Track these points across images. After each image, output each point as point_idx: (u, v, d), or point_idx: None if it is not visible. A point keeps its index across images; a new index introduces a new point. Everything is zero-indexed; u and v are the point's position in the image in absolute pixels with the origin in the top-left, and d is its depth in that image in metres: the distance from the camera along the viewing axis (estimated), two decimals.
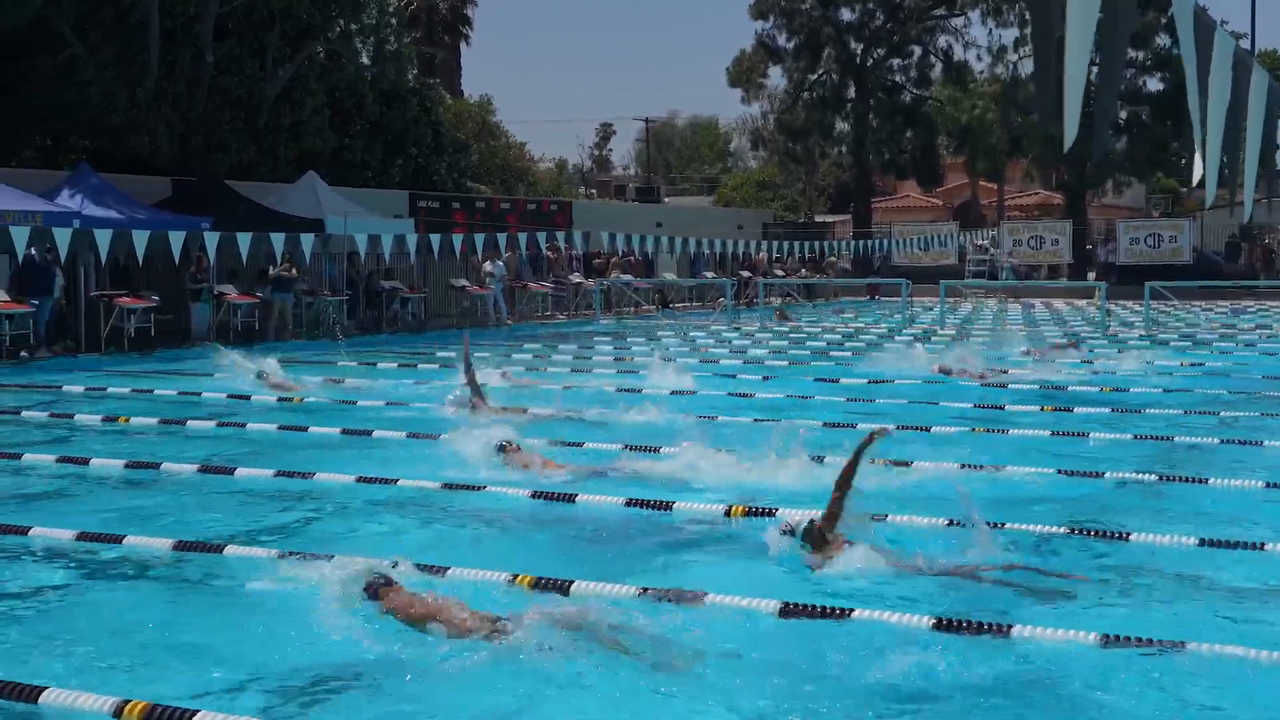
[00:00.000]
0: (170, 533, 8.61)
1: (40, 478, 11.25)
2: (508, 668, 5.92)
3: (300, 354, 23.28)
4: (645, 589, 6.97)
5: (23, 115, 31.40)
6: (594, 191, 74.88)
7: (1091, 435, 12.62)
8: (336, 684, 5.93)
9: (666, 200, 64.84)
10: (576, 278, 38.32)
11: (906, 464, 10.72)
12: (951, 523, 8.37)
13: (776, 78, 57.58)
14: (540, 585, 7.06)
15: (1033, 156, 54.52)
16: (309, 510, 9.74)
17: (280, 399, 16.18)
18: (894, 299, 38.19)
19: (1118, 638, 6.11)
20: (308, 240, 27.27)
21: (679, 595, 6.74)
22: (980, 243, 50.51)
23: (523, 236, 33.34)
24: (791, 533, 7.70)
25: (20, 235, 21.79)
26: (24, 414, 15.11)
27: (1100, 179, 51.64)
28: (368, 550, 7.68)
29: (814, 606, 6.66)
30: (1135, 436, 12.60)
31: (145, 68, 30.60)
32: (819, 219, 62.31)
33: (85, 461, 11.57)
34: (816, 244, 45.60)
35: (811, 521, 7.65)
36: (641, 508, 9.28)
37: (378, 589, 6.62)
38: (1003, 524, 8.33)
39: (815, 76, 55.47)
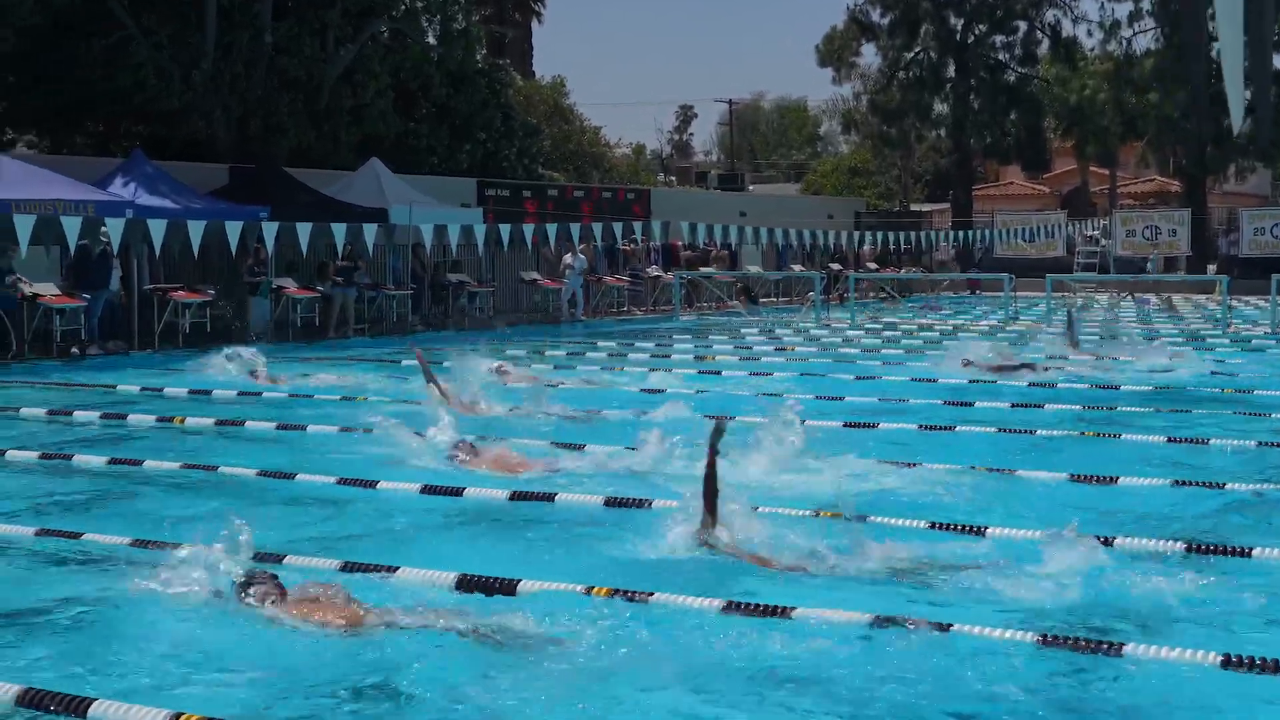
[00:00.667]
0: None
1: (92, 480, 11.44)
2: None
3: (362, 351, 23.52)
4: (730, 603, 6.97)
5: (74, 100, 31.95)
6: (673, 179, 74.93)
7: (1212, 441, 12.43)
8: (383, 695, 5.99)
9: (751, 188, 64.73)
10: (655, 271, 38.35)
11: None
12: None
13: (870, 56, 57.31)
14: (619, 594, 7.10)
15: (1148, 139, 53.78)
16: (370, 518, 9.83)
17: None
18: (996, 294, 37.89)
19: (1240, 659, 6.02)
20: (370, 231, 27.50)
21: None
22: (1090, 233, 49.95)
23: (598, 226, 33.46)
24: None
25: (72, 226, 22.15)
26: (76, 414, 15.35)
27: (1222, 163, 50.78)
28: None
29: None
30: (1260, 444, 12.39)
31: (201, 49, 31.02)
32: (915, 208, 61.90)
33: (138, 463, 11.76)
34: (912, 234, 45.34)
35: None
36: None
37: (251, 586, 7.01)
38: (1112, 538, 8.23)
39: (912, 54, 55.08)
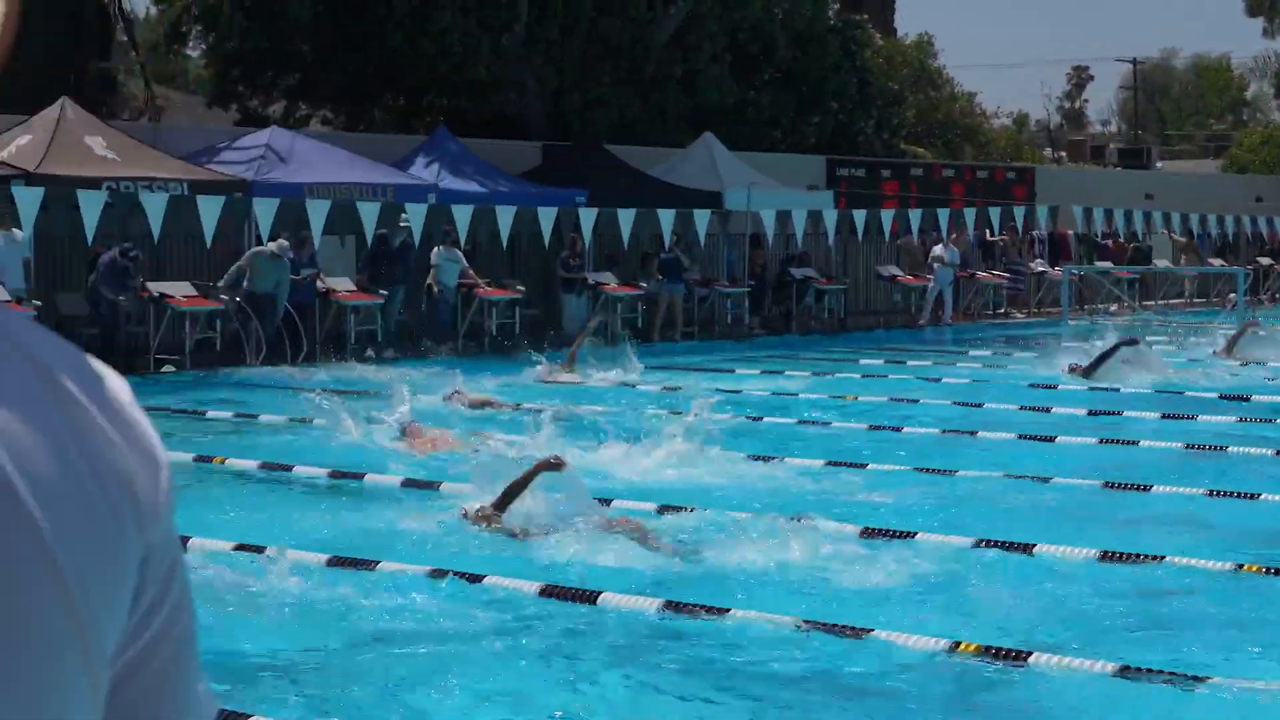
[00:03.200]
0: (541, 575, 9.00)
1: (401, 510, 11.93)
2: None
3: (690, 359, 23.72)
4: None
5: (372, 70, 33.30)
6: (1063, 154, 73.60)
7: None
8: None
9: (1159, 165, 63.05)
10: (1039, 265, 37.63)
11: None
12: None
13: None
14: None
15: None
16: None
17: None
18: None
19: None
20: (702, 218, 27.76)
21: None
22: None
23: (971, 212, 32.99)
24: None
25: (370, 212, 23.01)
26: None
27: None
28: None
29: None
30: None
31: (512, 11, 31.85)
32: None
33: (436, 486, 12.16)
34: None
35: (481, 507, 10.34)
36: None
37: None
38: None
39: None
